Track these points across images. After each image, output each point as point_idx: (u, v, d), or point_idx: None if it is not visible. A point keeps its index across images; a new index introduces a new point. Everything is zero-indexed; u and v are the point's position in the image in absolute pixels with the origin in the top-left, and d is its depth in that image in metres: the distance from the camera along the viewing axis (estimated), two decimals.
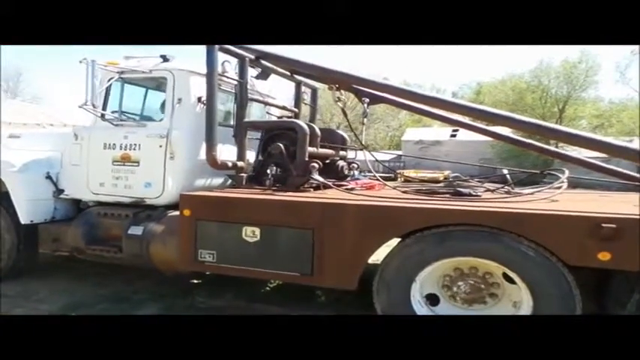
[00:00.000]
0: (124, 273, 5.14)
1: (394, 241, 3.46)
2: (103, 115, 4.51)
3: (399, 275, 3.31)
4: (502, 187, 4.35)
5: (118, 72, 4.47)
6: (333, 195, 3.89)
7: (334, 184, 4.32)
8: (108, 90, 4.57)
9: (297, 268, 3.53)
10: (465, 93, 44.55)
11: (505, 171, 4.84)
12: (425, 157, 25.54)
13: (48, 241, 4.77)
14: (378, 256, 3.48)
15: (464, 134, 29.51)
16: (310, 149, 4.36)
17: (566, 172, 4.02)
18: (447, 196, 3.85)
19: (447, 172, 10.48)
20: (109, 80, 4.49)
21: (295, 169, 4.28)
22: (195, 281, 5.17)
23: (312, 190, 4.29)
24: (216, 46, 4.05)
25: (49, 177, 4.83)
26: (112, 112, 4.60)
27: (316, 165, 4.20)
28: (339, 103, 4.55)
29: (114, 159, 4.52)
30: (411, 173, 10.97)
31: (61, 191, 4.88)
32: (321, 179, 4.20)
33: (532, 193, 3.90)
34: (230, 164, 4.38)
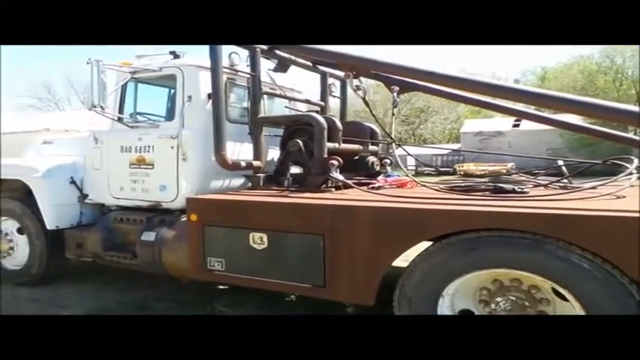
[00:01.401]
0: (150, 278, 5.02)
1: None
2: (120, 119, 4.41)
3: (422, 290, 2.80)
4: (557, 181, 3.70)
5: (130, 72, 4.33)
6: (349, 196, 3.45)
7: (357, 183, 3.87)
8: (124, 91, 4.45)
9: (308, 278, 3.14)
10: (528, 80, 41.47)
11: (560, 162, 4.12)
12: (481, 150, 24.02)
13: (73, 247, 4.74)
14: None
15: (528, 123, 27.52)
16: (330, 145, 3.95)
17: (635, 160, 3.28)
18: (487, 193, 3.29)
19: (509, 165, 9.56)
20: (123, 81, 4.36)
21: (314, 167, 3.90)
22: (222, 287, 4.93)
23: (333, 190, 3.88)
24: None
25: (73, 182, 4.81)
26: (130, 114, 4.47)
27: (336, 162, 3.78)
28: (358, 92, 4.07)
29: (130, 162, 4.39)
30: (470, 167, 10.11)
31: (86, 196, 4.84)
32: (340, 177, 3.78)
33: (594, 188, 3.23)
34: (244, 164, 4.08)
